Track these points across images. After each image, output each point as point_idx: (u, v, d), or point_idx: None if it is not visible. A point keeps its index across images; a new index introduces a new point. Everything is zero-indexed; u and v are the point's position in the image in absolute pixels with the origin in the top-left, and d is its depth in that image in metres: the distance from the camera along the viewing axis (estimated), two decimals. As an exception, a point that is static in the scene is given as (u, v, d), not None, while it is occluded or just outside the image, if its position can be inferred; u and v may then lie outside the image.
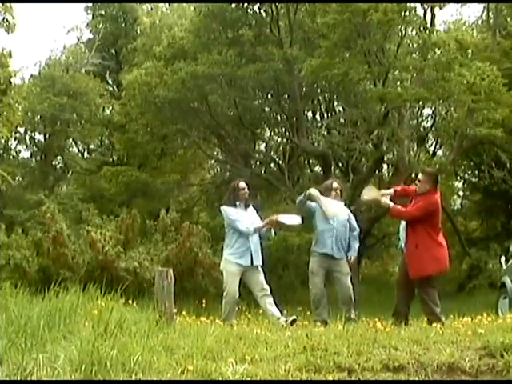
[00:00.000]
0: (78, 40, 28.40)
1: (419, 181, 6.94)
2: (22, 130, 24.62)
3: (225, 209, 7.51)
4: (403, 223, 7.38)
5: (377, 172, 21.98)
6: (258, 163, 23.98)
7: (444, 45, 17.07)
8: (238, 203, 7.48)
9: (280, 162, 22.39)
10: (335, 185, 7.78)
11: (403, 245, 7.24)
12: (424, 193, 6.86)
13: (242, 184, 7.59)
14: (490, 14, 19.83)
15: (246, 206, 7.55)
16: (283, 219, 7.53)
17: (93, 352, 3.89)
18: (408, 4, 17.16)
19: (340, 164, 22.13)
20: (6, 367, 3.75)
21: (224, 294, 7.37)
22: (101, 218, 17.10)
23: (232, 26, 20.27)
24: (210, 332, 5.18)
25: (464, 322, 5.81)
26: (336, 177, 20.51)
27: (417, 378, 4.11)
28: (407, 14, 17.23)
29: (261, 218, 7.71)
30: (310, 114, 23.35)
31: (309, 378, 3.99)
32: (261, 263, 7.47)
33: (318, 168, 24.00)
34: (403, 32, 18.58)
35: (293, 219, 7.59)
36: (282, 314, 7.34)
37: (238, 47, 19.74)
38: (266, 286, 7.42)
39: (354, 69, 17.33)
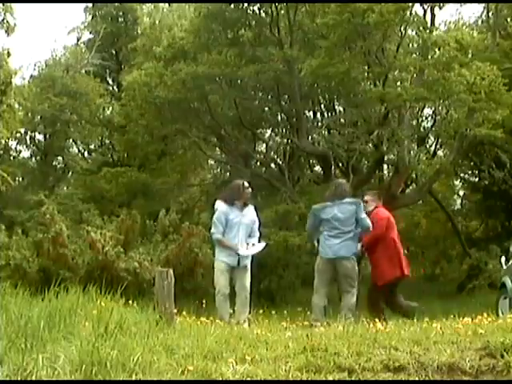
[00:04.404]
0: (78, 40, 28.38)
1: (366, 202, 8.24)
2: (22, 130, 24.60)
3: (219, 204, 7.58)
4: None
5: (377, 172, 21.99)
6: (258, 163, 23.98)
7: (444, 44, 17.07)
8: (236, 202, 7.54)
9: (280, 163, 22.39)
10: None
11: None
12: (374, 210, 8.22)
13: (247, 184, 7.67)
14: (490, 14, 19.83)
15: (245, 205, 7.60)
16: (249, 251, 7.63)
17: (93, 352, 3.89)
18: (405, 4, 17.16)
19: (340, 164, 22.11)
20: (6, 367, 3.75)
21: (216, 292, 7.51)
22: (101, 218, 17.10)
23: (232, 26, 20.26)
24: (210, 332, 5.18)
25: (464, 323, 5.79)
26: (336, 177, 20.55)
27: (417, 379, 4.10)
28: (405, 13, 17.22)
29: (259, 220, 7.80)
30: (310, 114, 23.33)
31: (309, 378, 3.99)
32: (248, 264, 7.56)
33: (318, 168, 24.01)
34: (403, 32, 18.57)
35: (258, 247, 7.73)
36: (249, 313, 7.46)
37: (237, 48, 19.73)
38: (247, 287, 7.56)
39: (354, 69, 17.34)
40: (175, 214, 16.89)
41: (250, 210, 7.67)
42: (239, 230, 7.50)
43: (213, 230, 7.52)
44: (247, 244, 7.58)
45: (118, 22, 27.52)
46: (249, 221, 7.59)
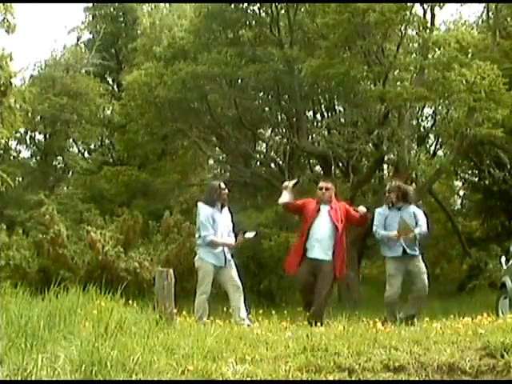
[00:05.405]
0: (78, 40, 28.39)
1: (327, 189, 7.55)
2: (22, 130, 24.58)
3: (202, 207, 7.60)
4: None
5: (377, 172, 21.99)
6: (258, 163, 23.98)
7: (444, 44, 17.07)
8: (216, 204, 7.58)
9: (280, 162, 22.39)
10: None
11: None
12: (331, 200, 7.54)
13: (223, 185, 7.71)
14: (490, 13, 19.83)
15: (222, 207, 7.66)
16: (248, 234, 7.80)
17: (93, 352, 3.88)
18: (406, 3, 17.16)
19: (340, 164, 22.12)
20: (6, 367, 3.74)
21: (198, 292, 7.51)
22: (101, 218, 17.10)
23: (232, 26, 20.27)
24: (210, 332, 5.17)
25: (464, 322, 5.79)
26: (336, 177, 20.56)
27: (417, 378, 4.10)
28: (406, 13, 17.24)
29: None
30: (310, 114, 23.35)
31: (309, 378, 3.99)
32: (233, 262, 7.62)
33: (318, 168, 24.00)
34: (403, 32, 18.58)
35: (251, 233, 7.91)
36: (249, 314, 7.43)
37: (237, 47, 19.74)
38: (238, 283, 7.54)
39: (354, 69, 17.34)
40: (179, 214, 16.91)
41: (227, 211, 7.76)
42: (223, 231, 7.58)
43: (204, 233, 7.48)
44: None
45: (117, 22, 27.54)
46: (227, 221, 7.70)
